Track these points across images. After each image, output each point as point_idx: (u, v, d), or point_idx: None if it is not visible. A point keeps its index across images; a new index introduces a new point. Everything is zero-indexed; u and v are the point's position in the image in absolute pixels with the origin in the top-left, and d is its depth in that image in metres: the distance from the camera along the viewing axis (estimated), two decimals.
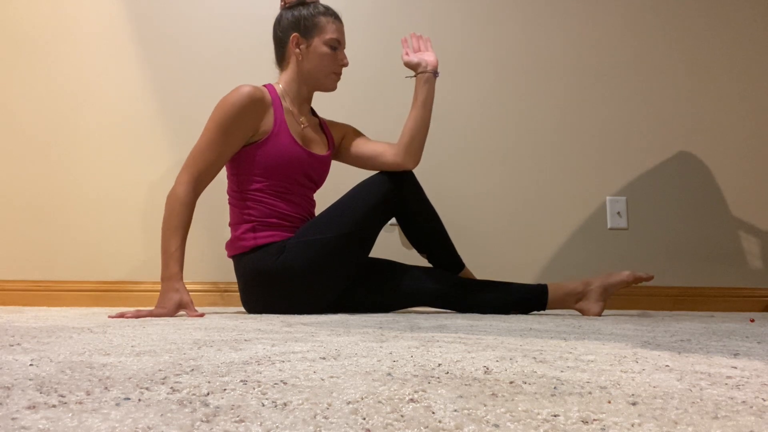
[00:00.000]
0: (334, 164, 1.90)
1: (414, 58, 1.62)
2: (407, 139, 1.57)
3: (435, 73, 1.61)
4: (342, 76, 2.17)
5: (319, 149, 1.63)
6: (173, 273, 1.40)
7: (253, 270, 1.49)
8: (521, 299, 1.53)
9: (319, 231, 1.48)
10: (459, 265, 1.64)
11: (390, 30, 2.24)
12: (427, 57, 1.62)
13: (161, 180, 2.10)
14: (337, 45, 1.59)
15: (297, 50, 1.58)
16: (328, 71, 1.60)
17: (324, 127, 1.71)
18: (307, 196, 1.61)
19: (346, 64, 1.61)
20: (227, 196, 1.63)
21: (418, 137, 1.58)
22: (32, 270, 2.06)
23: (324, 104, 2.14)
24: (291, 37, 1.58)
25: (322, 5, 1.61)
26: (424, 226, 1.59)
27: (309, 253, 1.46)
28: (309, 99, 1.65)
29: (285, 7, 1.62)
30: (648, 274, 1.53)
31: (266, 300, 1.49)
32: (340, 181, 1.98)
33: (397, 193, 1.54)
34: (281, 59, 1.63)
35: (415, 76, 1.62)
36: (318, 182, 1.64)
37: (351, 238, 1.48)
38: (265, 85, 1.59)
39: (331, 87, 1.63)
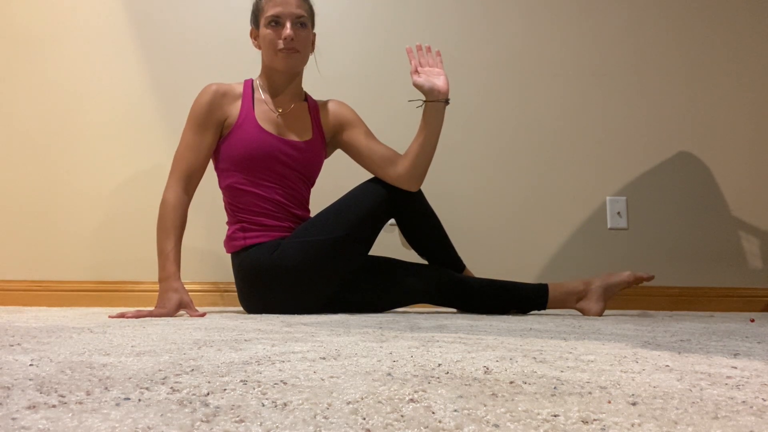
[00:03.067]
0: (335, 163, 1.89)
1: (425, 82, 1.48)
2: (411, 164, 1.50)
3: (446, 102, 1.51)
4: (341, 76, 2.18)
5: (299, 135, 1.57)
6: (170, 273, 1.40)
7: (248, 265, 1.49)
8: (521, 298, 1.53)
9: (314, 232, 1.47)
10: (459, 265, 1.63)
11: (388, 28, 2.24)
12: (439, 83, 1.49)
13: (161, 180, 2.09)
14: (276, 21, 1.50)
15: (255, 43, 1.60)
16: (273, 51, 1.52)
17: (312, 111, 1.64)
18: (295, 190, 1.56)
19: (287, 37, 1.49)
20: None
21: (424, 164, 1.51)
22: (32, 270, 2.06)
23: None
24: (250, 33, 1.61)
25: None
26: (424, 228, 1.58)
27: (302, 253, 1.45)
28: (286, 85, 1.59)
29: None
30: (648, 274, 1.53)
31: (261, 296, 1.49)
32: (342, 180, 1.97)
33: (395, 197, 1.53)
34: None
35: (423, 103, 1.51)
36: (304, 173, 1.57)
37: (346, 242, 1.47)
38: (246, 80, 1.61)
39: (281, 67, 1.53)
